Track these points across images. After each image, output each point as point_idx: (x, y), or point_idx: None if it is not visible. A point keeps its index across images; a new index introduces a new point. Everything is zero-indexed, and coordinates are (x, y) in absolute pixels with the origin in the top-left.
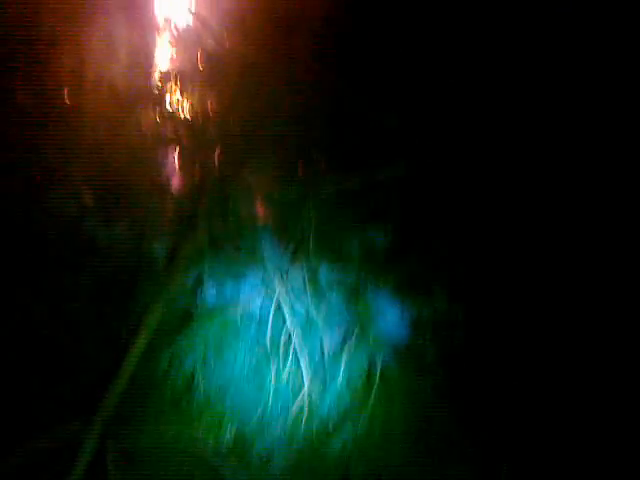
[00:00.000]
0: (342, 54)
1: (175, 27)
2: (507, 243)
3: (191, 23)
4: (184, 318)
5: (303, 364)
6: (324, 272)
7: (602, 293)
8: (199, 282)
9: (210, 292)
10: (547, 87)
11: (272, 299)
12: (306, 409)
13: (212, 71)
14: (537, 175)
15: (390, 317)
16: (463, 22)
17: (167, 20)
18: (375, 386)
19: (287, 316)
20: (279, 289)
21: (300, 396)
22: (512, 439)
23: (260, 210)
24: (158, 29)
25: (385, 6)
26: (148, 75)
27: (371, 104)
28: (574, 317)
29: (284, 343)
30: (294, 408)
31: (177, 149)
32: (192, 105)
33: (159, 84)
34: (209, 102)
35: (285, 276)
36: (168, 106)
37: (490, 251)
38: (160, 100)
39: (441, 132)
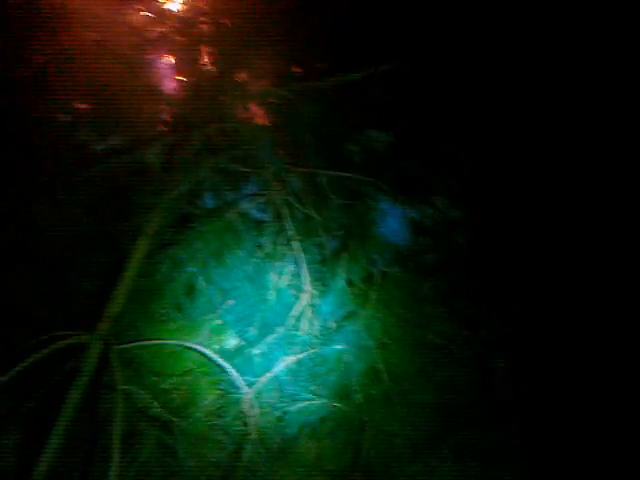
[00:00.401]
0: None
1: None
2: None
3: None
4: (183, 223)
5: (303, 266)
6: (324, 175)
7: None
8: (197, 187)
9: (208, 197)
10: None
11: (271, 203)
12: (307, 311)
13: None
14: None
15: (391, 220)
16: None
17: None
18: (375, 287)
19: (287, 220)
20: (278, 193)
21: (301, 298)
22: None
23: (257, 111)
24: None
25: None
26: None
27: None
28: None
29: (285, 246)
30: (295, 310)
31: (169, 50)
32: (181, 4)
33: None
34: (201, 1)
35: (284, 180)
36: (159, 6)
37: (494, 152)
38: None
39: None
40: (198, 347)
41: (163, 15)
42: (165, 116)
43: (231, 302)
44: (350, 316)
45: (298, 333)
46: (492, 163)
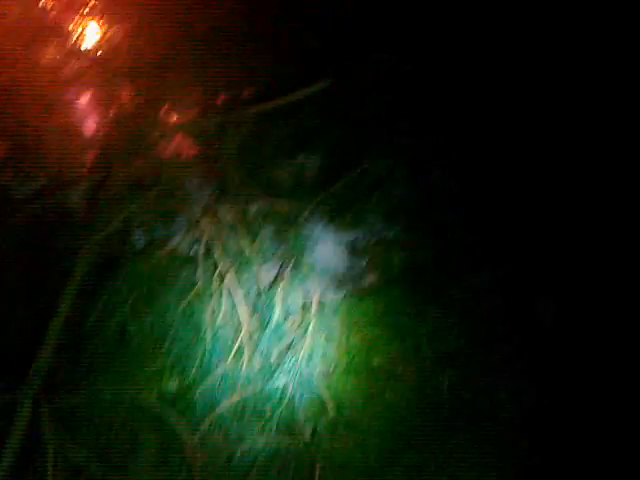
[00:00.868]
0: None
1: None
2: (442, 162)
3: None
4: (112, 265)
5: (239, 302)
6: (254, 204)
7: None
8: (124, 227)
9: (136, 236)
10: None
11: (201, 238)
12: (247, 347)
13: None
14: None
15: (325, 244)
16: None
17: None
18: (313, 316)
19: (218, 254)
20: (208, 227)
21: (239, 334)
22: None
23: (181, 144)
24: None
25: None
26: (46, 8)
27: (291, 20)
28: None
29: (217, 283)
30: (234, 348)
31: (87, 87)
32: (98, 37)
33: (61, 17)
34: (115, 32)
35: (213, 213)
36: (74, 40)
37: (425, 171)
38: (65, 34)
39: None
40: (135, 395)
41: (79, 52)
42: (87, 155)
43: (166, 345)
44: (290, 348)
45: (239, 371)
46: (424, 181)
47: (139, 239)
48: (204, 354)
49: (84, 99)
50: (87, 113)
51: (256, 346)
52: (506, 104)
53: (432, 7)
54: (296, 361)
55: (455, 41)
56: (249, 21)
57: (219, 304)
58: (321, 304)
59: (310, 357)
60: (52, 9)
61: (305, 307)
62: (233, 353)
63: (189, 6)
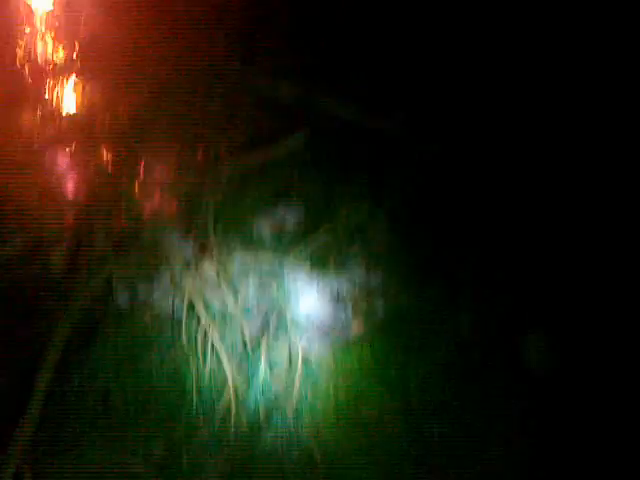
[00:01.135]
0: (228, 28)
1: (45, 17)
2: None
3: (63, 11)
4: (93, 328)
5: (224, 360)
6: (235, 260)
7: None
8: (105, 288)
9: (118, 297)
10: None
11: (183, 296)
12: (233, 406)
13: (90, 60)
14: None
15: (309, 296)
16: None
17: (37, 9)
18: (299, 370)
19: (201, 312)
20: (190, 285)
21: (225, 394)
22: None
23: (160, 204)
24: (27, 20)
25: None
26: (21, 72)
27: (262, 76)
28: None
29: (202, 340)
30: (220, 407)
31: (64, 149)
32: (74, 99)
33: (35, 80)
34: (91, 94)
35: (195, 270)
36: (49, 103)
37: (404, 218)
38: (39, 98)
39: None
40: (122, 460)
41: (56, 114)
42: (67, 216)
43: (152, 407)
44: (276, 403)
45: (226, 431)
46: (406, 228)
47: (121, 299)
48: (190, 414)
49: (62, 161)
50: (66, 174)
51: (242, 403)
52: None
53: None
54: (283, 416)
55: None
56: (225, 77)
57: (204, 361)
58: (306, 356)
59: (297, 411)
60: (28, 72)
61: (291, 360)
62: (220, 411)
63: (165, 66)
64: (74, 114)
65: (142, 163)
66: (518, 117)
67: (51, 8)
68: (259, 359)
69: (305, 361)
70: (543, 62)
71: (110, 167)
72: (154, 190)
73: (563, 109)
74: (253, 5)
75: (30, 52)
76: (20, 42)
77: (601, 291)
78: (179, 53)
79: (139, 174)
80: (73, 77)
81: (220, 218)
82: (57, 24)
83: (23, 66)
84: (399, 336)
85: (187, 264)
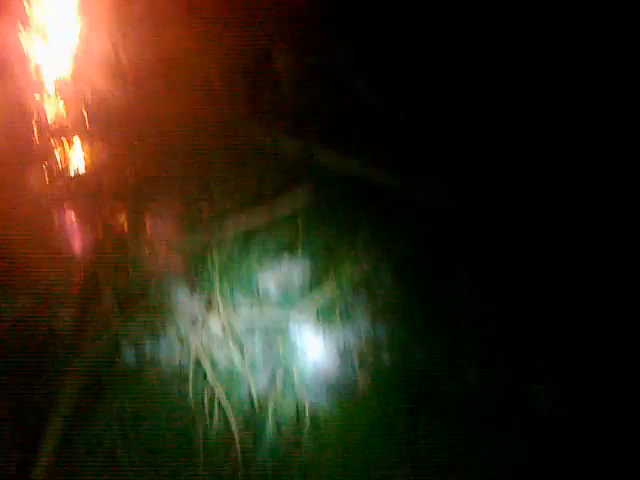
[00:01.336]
0: (231, 85)
1: (55, 81)
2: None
3: (71, 76)
4: (99, 388)
5: (231, 417)
6: (242, 316)
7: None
8: (112, 346)
9: (124, 355)
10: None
11: (190, 353)
12: (240, 465)
13: (99, 122)
14: None
15: (315, 351)
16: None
17: (47, 74)
18: (306, 427)
19: (208, 369)
20: (196, 341)
21: (232, 451)
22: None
23: (166, 261)
24: (37, 84)
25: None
26: (31, 133)
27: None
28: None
29: (208, 398)
30: (227, 466)
31: (72, 208)
32: (82, 160)
33: (44, 141)
34: (100, 154)
35: (201, 327)
36: (57, 163)
37: (409, 271)
38: (48, 158)
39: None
40: None
41: (64, 174)
42: (74, 275)
43: (159, 467)
44: (283, 466)
45: None
46: (409, 280)
47: (127, 357)
48: (198, 474)
49: (70, 219)
50: (74, 233)
51: (250, 462)
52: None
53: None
54: (291, 476)
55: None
56: (231, 134)
57: (211, 419)
58: (313, 411)
59: (306, 469)
60: (39, 133)
61: (298, 415)
62: (227, 471)
63: (171, 126)
64: (82, 174)
65: (149, 220)
66: (513, 165)
67: (62, 74)
68: (266, 416)
69: (313, 417)
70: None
71: (117, 225)
72: (161, 247)
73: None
74: (257, 65)
75: (41, 114)
76: (32, 104)
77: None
78: (184, 113)
79: (146, 231)
80: (82, 139)
81: (226, 274)
82: (67, 88)
83: (34, 127)
84: (406, 389)
85: (193, 321)
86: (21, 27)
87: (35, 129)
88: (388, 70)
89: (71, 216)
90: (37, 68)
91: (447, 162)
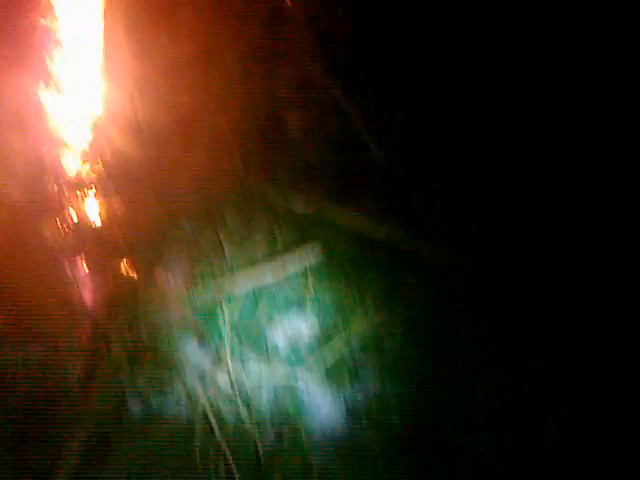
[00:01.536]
0: (245, 144)
1: (73, 136)
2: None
3: (91, 135)
4: (106, 443)
5: (236, 474)
6: (250, 372)
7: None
8: (120, 401)
9: (131, 409)
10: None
11: (197, 408)
12: None
13: (115, 177)
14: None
15: (323, 409)
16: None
17: (65, 130)
18: None
19: (215, 425)
20: (204, 397)
21: None
22: None
23: (176, 315)
24: (56, 139)
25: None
26: (49, 186)
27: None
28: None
29: (215, 454)
30: None
31: (84, 260)
32: (97, 213)
33: (60, 194)
34: (115, 209)
35: (209, 382)
36: (71, 216)
37: (420, 329)
38: (63, 210)
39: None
40: None
41: (78, 226)
42: (84, 327)
43: None
44: None
45: None
46: (418, 338)
47: (135, 412)
48: None
49: (82, 270)
50: (85, 284)
51: None
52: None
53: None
54: None
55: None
56: (240, 192)
57: (216, 476)
58: (321, 471)
59: None
60: (53, 186)
61: (305, 475)
62: None
63: (182, 182)
64: (96, 227)
65: (160, 275)
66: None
67: (80, 129)
68: (273, 474)
69: (320, 476)
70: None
71: (129, 278)
72: (171, 301)
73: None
74: (270, 125)
75: (58, 168)
76: (49, 158)
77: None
78: (198, 170)
79: (157, 286)
80: (98, 193)
81: (235, 329)
82: (85, 144)
83: (51, 180)
84: (415, 448)
85: (202, 376)
86: (42, 83)
87: (52, 182)
88: (400, 132)
89: (83, 268)
90: (56, 123)
91: (457, 221)
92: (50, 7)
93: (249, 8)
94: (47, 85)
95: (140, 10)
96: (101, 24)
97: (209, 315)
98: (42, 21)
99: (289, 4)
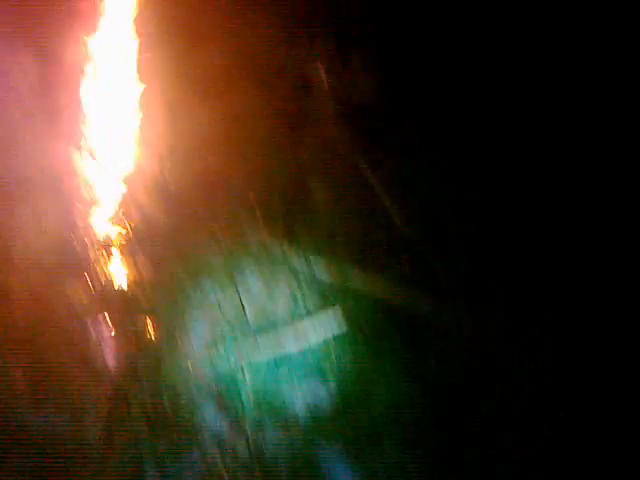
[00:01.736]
0: (268, 209)
1: (103, 198)
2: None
3: (119, 196)
4: None
5: None
6: (270, 441)
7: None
8: (138, 465)
9: (150, 475)
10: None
11: (215, 476)
12: None
13: (140, 238)
14: None
15: (342, 477)
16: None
17: (95, 191)
18: None
19: None
20: (222, 464)
21: None
22: None
23: (197, 379)
24: (86, 200)
25: None
26: (76, 246)
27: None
28: None
29: None
30: None
31: (108, 320)
32: (123, 274)
33: (88, 254)
34: (139, 269)
35: (228, 449)
36: (97, 276)
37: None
38: (89, 270)
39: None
40: None
41: (103, 286)
42: (103, 390)
43: None
44: None
45: None
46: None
47: (152, 476)
48: None
49: (105, 331)
50: (107, 345)
51: None
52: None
53: None
54: None
55: None
56: (262, 257)
57: None
58: None
59: None
60: (78, 244)
61: None
62: None
63: (207, 245)
64: (121, 288)
65: (183, 339)
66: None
67: (110, 191)
68: None
69: None
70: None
71: (151, 342)
72: (193, 366)
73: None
74: (292, 189)
75: (87, 228)
76: (79, 219)
77: None
78: (222, 234)
79: (180, 350)
80: (124, 254)
81: (256, 397)
82: (114, 205)
83: (79, 240)
84: None
85: (220, 443)
86: (73, 147)
87: (80, 242)
88: (422, 201)
89: (106, 328)
90: (86, 183)
91: (479, 289)
92: (84, 72)
93: (278, 79)
94: (79, 147)
95: (173, 76)
96: (135, 89)
97: (230, 380)
98: (76, 84)
99: (315, 75)
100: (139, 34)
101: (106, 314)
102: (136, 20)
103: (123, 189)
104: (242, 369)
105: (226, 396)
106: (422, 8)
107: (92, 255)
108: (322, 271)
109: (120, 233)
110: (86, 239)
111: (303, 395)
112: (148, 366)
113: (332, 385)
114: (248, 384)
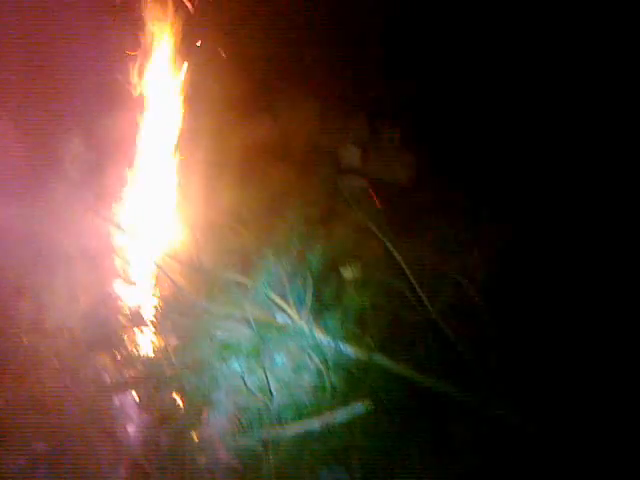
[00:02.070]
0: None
1: (137, 273)
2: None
3: (152, 268)
4: None
5: None
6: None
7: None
8: None
9: None
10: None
11: None
12: None
13: (170, 315)
14: None
15: None
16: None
17: (129, 267)
18: None
19: None
20: None
21: None
22: None
23: (221, 459)
24: (121, 275)
25: None
26: (107, 319)
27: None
28: None
29: None
30: None
31: (133, 394)
32: (151, 347)
33: (119, 328)
34: (167, 345)
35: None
36: (126, 349)
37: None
38: (118, 344)
39: None
40: None
41: (131, 360)
42: (125, 464)
43: None
44: None
45: None
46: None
47: None
48: None
49: (129, 406)
50: (130, 417)
51: None
52: None
53: None
54: None
55: None
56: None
57: None
58: None
59: None
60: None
61: None
62: None
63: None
64: (149, 360)
65: (206, 414)
66: None
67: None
68: None
69: None
70: None
71: (175, 415)
72: (216, 443)
73: None
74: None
75: (121, 302)
76: (114, 293)
77: None
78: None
79: (203, 425)
80: (154, 327)
81: (279, 477)
82: (147, 280)
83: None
84: None
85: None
86: (111, 227)
87: (112, 316)
88: (450, 284)
89: (131, 402)
90: (122, 260)
91: (506, 371)
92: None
93: (313, 158)
94: (115, 228)
95: (211, 153)
96: (173, 168)
97: (254, 461)
98: (118, 163)
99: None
100: (183, 111)
101: (132, 388)
102: (180, 99)
103: (157, 265)
104: (267, 449)
105: (250, 476)
106: (447, 89)
107: (123, 329)
108: (350, 349)
109: (152, 308)
110: (118, 314)
111: (326, 474)
112: (171, 443)
113: (357, 468)
114: (272, 464)
